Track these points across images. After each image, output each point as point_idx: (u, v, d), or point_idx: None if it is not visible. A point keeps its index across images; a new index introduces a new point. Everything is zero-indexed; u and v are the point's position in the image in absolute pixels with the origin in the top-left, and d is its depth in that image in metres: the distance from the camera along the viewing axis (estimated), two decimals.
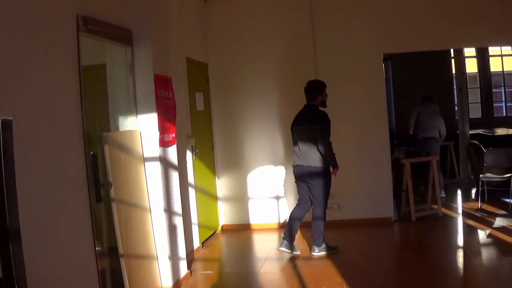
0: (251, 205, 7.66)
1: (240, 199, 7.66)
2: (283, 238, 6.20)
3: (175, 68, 5.90)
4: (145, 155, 4.94)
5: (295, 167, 6.10)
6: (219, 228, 7.66)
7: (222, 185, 7.71)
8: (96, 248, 4.11)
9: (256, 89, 7.53)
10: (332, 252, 6.03)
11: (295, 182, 6.22)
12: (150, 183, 4.96)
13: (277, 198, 7.65)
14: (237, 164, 7.62)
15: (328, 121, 5.93)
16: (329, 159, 5.87)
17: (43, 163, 3.53)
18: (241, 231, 7.55)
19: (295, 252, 6.13)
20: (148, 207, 4.94)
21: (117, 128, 4.96)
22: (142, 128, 4.95)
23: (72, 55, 3.91)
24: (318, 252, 6.01)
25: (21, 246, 1.65)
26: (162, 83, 5.11)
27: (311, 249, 6.11)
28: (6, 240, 1.61)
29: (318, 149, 5.85)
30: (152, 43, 4.96)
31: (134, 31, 4.91)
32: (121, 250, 4.35)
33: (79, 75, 3.96)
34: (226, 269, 6.06)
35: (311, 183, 5.94)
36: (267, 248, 6.65)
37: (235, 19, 7.66)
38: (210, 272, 5.75)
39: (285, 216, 7.57)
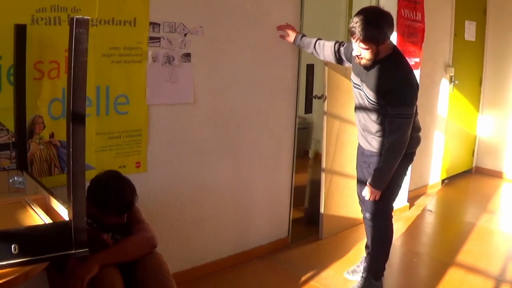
0: (508, 153, 6.87)
1: (499, 143, 6.90)
2: None
3: None
4: None
5: None
6: (470, 169, 7.10)
7: (483, 124, 7.02)
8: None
9: None
10: None
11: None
12: None
13: None
14: (504, 105, 6.81)
15: None
16: None
17: (258, 70, 3.86)
18: (492, 177, 6.85)
19: None
20: None
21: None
22: None
23: None
24: None
25: (84, 129, 1.84)
26: (409, 3, 4.81)
27: None
28: (69, 122, 1.90)
29: None
30: None
31: None
32: (323, 164, 4.48)
33: None
34: (450, 212, 5.61)
35: None
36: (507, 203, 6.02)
37: None
38: (430, 211, 5.45)
39: None
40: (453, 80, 6.14)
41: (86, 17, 1.82)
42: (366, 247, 3.72)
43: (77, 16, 1.80)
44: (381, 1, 4.77)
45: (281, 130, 4.15)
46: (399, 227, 4.88)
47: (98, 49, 2.91)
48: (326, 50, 3.71)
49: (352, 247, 4.17)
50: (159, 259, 2.63)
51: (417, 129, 3.43)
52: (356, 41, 3.06)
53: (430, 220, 5.24)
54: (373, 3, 4.80)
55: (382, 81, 3.14)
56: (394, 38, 4.66)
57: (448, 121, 6.21)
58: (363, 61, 3.14)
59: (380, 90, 3.14)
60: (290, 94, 4.13)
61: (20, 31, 2.50)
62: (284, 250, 4.27)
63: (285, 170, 4.25)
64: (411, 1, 4.84)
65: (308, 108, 4.44)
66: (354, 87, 3.41)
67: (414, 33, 4.98)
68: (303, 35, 3.85)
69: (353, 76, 3.41)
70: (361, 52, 3.09)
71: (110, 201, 2.56)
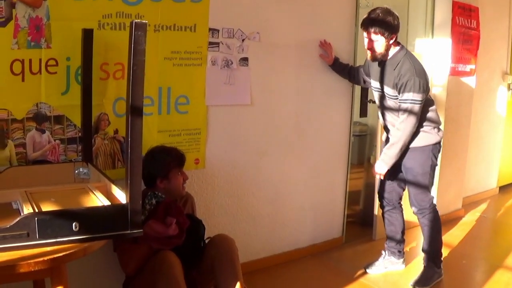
0: None
1: None
2: None
3: None
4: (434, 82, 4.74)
5: None
6: None
7: None
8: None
9: None
10: None
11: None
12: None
13: None
14: None
15: None
16: None
17: (313, 74, 3.85)
18: None
19: None
20: None
21: (412, 50, 4.87)
22: (435, 54, 4.73)
23: None
24: None
25: (141, 121, 1.88)
26: (463, 11, 4.70)
27: None
28: (128, 114, 1.95)
29: None
30: None
31: None
32: None
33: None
34: (504, 217, 5.32)
35: None
36: None
37: None
38: (484, 215, 5.26)
39: None
40: (511, 87, 5.91)
41: (144, 21, 1.88)
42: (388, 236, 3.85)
43: (136, 20, 1.85)
44: (437, 9, 4.67)
45: (336, 132, 4.12)
46: (451, 231, 4.73)
47: (160, 53, 2.98)
48: (360, 76, 3.82)
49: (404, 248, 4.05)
50: (232, 242, 2.77)
51: (436, 121, 3.50)
52: (366, 33, 3.28)
53: (483, 225, 5.05)
54: (429, 11, 4.70)
55: (394, 73, 3.30)
56: (448, 44, 4.58)
57: (506, 128, 5.98)
58: (374, 54, 3.33)
59: (394, 81, 3.31)
60: (345, 98, 4.09)
61: (88, 35, 2.60)
62: (337, 249, 4.22)
63: (340, 172, 4.21)
64: (466, 9, 4.72)
65: (363, 112, 4.41)
66: (375, 91, 3.57)
67: (469, 40, 4.84)
68: (338, 60, 3.88)
69: (372, 83, 3.59)
70: (372, 44, 3.28)
71: (166, 160, 2.74)
